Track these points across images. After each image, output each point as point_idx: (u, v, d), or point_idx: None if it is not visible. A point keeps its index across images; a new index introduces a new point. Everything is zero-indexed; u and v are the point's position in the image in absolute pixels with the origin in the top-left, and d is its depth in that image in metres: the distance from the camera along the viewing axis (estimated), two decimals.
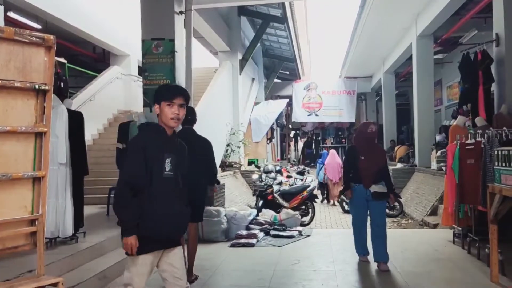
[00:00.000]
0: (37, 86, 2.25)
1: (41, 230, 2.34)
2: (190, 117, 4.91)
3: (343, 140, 22.84)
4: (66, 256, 4.32)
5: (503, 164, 3.78)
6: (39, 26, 11.05)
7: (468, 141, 4.98)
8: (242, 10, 12.13)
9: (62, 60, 10.28)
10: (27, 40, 2.22)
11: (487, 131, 4.66)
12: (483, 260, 4.67)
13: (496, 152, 3.94)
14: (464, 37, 10.62)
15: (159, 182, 2.37)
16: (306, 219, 8.59)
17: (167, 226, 2.38)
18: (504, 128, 4.46)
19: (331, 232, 7.36)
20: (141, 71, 7.51)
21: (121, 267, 4.67)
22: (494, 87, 6.44)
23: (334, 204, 11.92)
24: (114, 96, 12.08)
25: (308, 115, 18.90)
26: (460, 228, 5.44)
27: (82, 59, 13.27)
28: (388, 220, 9.24)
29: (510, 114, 5.82)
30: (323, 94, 18.73)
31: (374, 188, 4.70)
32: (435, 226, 7.40)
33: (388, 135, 16.08)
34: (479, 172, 4.66)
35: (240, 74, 12.31)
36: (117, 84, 12.42)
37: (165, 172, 2.39)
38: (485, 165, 4.50)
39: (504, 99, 6.06)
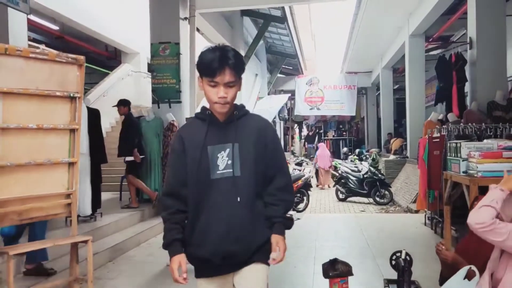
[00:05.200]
0: (71, 95, 3.03)
1: (75, 202, 3.13)
2: None
3: (344, 133, 23.55)
4: (86, 232, 5.14)
5: (453, 155, 4.49)
6: (56, 27, 11.89)
7: (435, 135, 5.68)
8: (245, 11, 12.79)
9: None
10: (64, 60, 2.99)
11: (448, 125, 5.35)
12: None
13: (449, 144, 4.65)
14: (454, 36, 11.21)
15: (208, 184, 1.71)
16: (301, 206, 9.34)
17: (218, 242, 1.71)
18: (461, 123, 5.14)
19: (321, 217, 8.13)
20: (150, 67, 8.28)
21: (132, 242, 5.52)
22: (467, 86, 7.08)
23: (322, 188, 13.66)
24: (125, 92, 12.84)
25: (310, 109, 19.56)
26: (430, 212, 6.16)
27: (95, 57, 14.08)
28: (377, 207, 10.07)
29: (479, 110, 6.46)
30: (325, 88, 19.35)
31: None
32: (416, 212, 8.10)
33: (385, 128, 16.71)
34: (441, 162, 5.35)
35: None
36: (128, 81, 13.23)
37: (218, 171, 1.71)
38: (445, 155, 5.19)
39: (475, 97, 6.70)
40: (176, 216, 1.76)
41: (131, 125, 6.75)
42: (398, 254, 3.13)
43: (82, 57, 3.05)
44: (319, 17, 40.74)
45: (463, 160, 4.19)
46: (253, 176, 1.75)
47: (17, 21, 6.51)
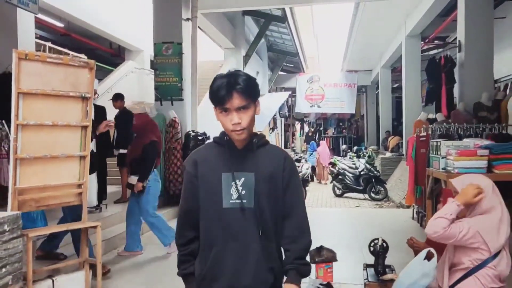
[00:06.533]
0: (83, 95, 3.37)
1: (85, 191, 3.49)
2: None
3: (344, 130, 23.90)
4: (93, 221, 5.50)
5: (434, 153, 4.82)
6: (62, 25, 12.23)
7: (422, 134, 6.00)
8: (246, 10, 13.10)
9: (83, 56, 11.43)
10: (77, 64, 3.34)
11: (433, 125, 5.67)
12: None
13: (431, 143, 4.98)
14: (450, 37, 11.50)
15: (220, 214, 1.64)
16: None
17: (232, 276, 1.63)
18: (444, 123, 5.46)
19: (316, 211, 8.47)
20: (153, 65, 8.63)
21: None
22: (456, 88, 7.39)
23: (320, 182, 14.50)
24: (129, 88, 13.17)
25: (311, 107, 19.80)
26: (417, 206, 6.50)
27: (99, 53, 14.41)
28: (372, 203, 10.40)
29: (466, 111, 6.77)
30: (325, 86, 19.57)
31: (129, 180, 4.91)
32: (408, 207, 8.43)
33: (383, 126, 17.02)
34: (426, 159, 5.68)
35: (243, 69, 13.34)
36: (131, 78, 13.55)
37: (231, 201, 1.63)
38: (429, 153, 5.52)
39: (463, 98, 7.01)
40: (188, 247, 1.71)
41: (131, 121, 7.03)
42: (376, 241, 3.47)
43: (92, 61, 3.39)
44: (322, 15, 40.87)
45: (442, 158, 4.52)
46: (267, 209, 1.64)
47: (25, 20, 6.87)
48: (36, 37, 9.09)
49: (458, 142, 4.52)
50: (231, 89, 1.56)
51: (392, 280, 3.08)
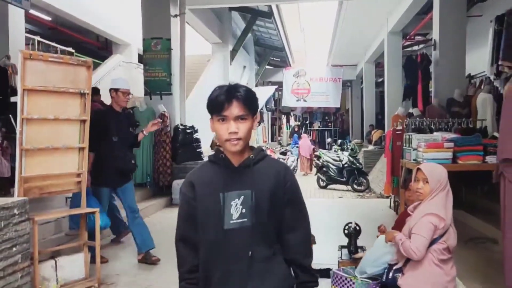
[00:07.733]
0: (82, 91, 3.66)
1: (84, 180, 3.78)
2: None
3: (329, 124, 24.41)
4: None
5: (407, 145, 5.22)
6: (49, 18, 12.30)
7: (398, 128, 6.41)
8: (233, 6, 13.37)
9: (70, 49, 11.56)
10: (75, 63, 3.62)
11: (407, 119, 6.08)
12: None
13: (404, 136, 5.38)
14: (429, 34, 11.94)
15: (221, 235, 1.58)
16: None
17: None
18: (417, 118, 5.87)
19: None
20: (141, 58, 8.84)
21: None
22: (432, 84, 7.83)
23: (305, 174, 15.07)
24: None
25: (297, 101, 20.22)
26: (394, 196, 6.93)
27: (86, 47, 14.49)
28: (354, 194, 10.85)
29: (440, 106, 7.21)
30: (311, 81, 20.00)
31: None
32: (388, 197, 8.87)
33: (367, 120, 17.51)
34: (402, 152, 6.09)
35: (230, 64, 13.63)
36: (119, 71, 13.65)
37: (232, 221, 1.58)
38: (403, 146, 5.93)
39: (437, 94, 7.45)
40: (191, 276, 1.64)
41: None
42: (350, 224, 3.85)
43: (90, 60, 3.67)
44: (308, 11, 41.09)
45: (413, 150, 4.92)
46: (269, 225, 1.60)
47: (16, 15, 7.08)
48: (25, 31, 9.20)
49: (428, 136, 4.92)
50: (231, 97, 1.53)
51: (361, 258, 3.46)
